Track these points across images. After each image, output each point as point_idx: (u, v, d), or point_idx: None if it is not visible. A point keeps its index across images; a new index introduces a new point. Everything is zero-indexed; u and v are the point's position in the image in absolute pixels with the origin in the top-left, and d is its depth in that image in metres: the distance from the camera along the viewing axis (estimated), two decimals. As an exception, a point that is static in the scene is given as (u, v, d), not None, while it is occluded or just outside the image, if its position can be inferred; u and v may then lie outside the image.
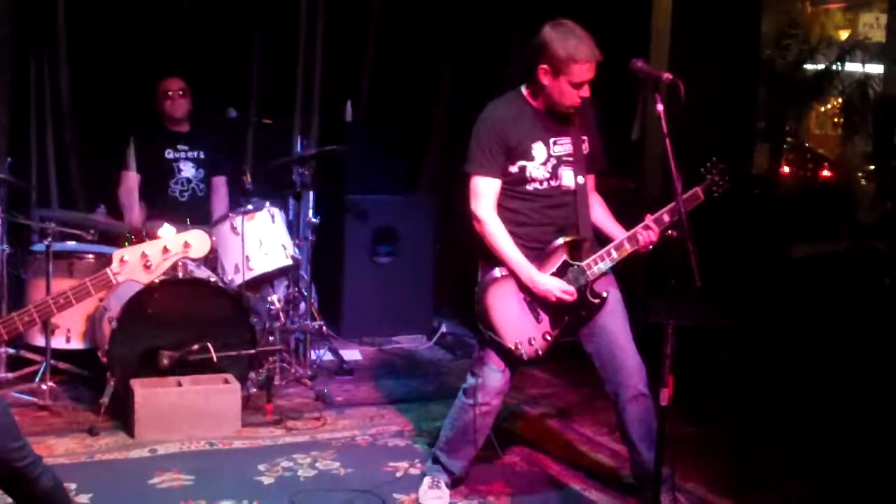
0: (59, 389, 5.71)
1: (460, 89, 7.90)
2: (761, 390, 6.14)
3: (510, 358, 4.27)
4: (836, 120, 10.53)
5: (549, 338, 4.24)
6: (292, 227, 6.40)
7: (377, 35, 7.64)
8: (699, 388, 5.85)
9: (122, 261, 3.12)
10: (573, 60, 4.03)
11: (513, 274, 4.20)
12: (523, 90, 4.31)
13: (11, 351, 5.81)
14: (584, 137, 4.31)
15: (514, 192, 4.26)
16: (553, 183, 4.25)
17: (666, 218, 4.14)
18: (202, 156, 6.54)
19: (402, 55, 7.75)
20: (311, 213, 6.50)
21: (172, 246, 3.18)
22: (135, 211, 6.36)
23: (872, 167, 9.43)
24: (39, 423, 5.31)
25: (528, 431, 5.47)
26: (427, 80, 7.85)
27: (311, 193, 6.58)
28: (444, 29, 7.78)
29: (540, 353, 4.25)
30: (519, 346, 4.21)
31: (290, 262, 6.08)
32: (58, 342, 5.79)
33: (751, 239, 7.36)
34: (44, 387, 5.52)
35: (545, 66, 4.10)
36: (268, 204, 6.08)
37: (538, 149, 4.22)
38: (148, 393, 5.16)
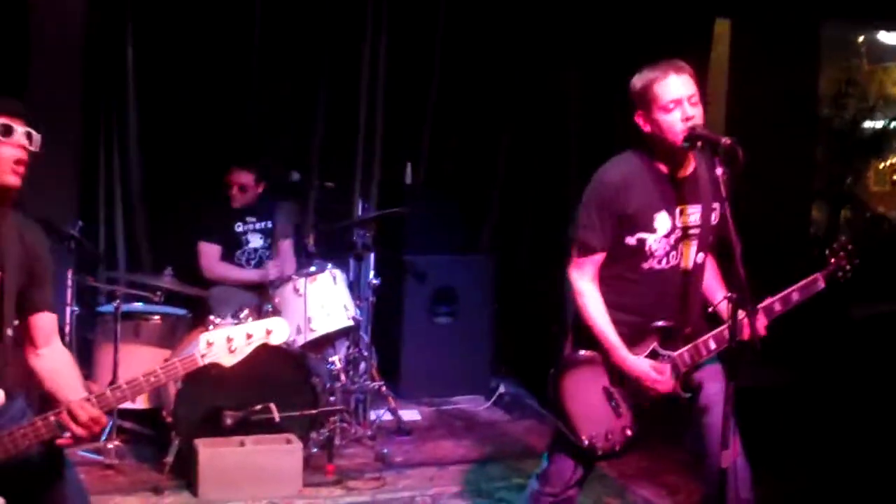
0: (124, 448, 5.77)
1: (518, 152, 7.96)
2: (823, 450, 6.07)
3: (582, 451, 3.83)
4: (894, 178, 10.47)
5: (628, 432, 3.79)
6: (353, 288, 6.48)
7: (437, 98, 7.74)
8: (761, 449, 5.81)
9: (208, 343, 3.22)
10: (653, 82, 3.65)
11: (601, 356, 3.78)
12: (644, 151, 3.80)
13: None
14: (715, 206, 3.77)
15: (623, 272, 3.80)
16: (671, 261, 3.77)
17: (777, 307, 3.81)
18: (269, 226, 6.65)
19: (461, 118, 7.83)
20: (371, 274, 6.58)
21: (255, 332, 3.29)
22: (247, 270, 6.51)
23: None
24: (105, 482, 5.38)
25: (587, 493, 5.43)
26: (486, 143, 7.92)
27: (371, 255, 6.66)
28: (503, 93, 7.86)
29: (616, 448, 3.80)
30: (594, 440, 3.78)
31: (350, 322, 6.15)
32: (130, 401, 5.86)
33: (812, 298, 7.33)
34: (110, 446, 5.60)
35: (639, 111, 3.71)
36: (330, 266, 6.17)
37: (661, 219, 3.73)
38: (212, 452, 5.23)
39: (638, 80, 3.72)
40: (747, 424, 3.85)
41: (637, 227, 3.72)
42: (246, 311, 5.50)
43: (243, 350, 3.26)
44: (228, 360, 3.26)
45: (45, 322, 3.32)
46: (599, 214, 3.74)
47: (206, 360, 3.22)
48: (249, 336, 3.27)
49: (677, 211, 3.75)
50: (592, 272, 3.80)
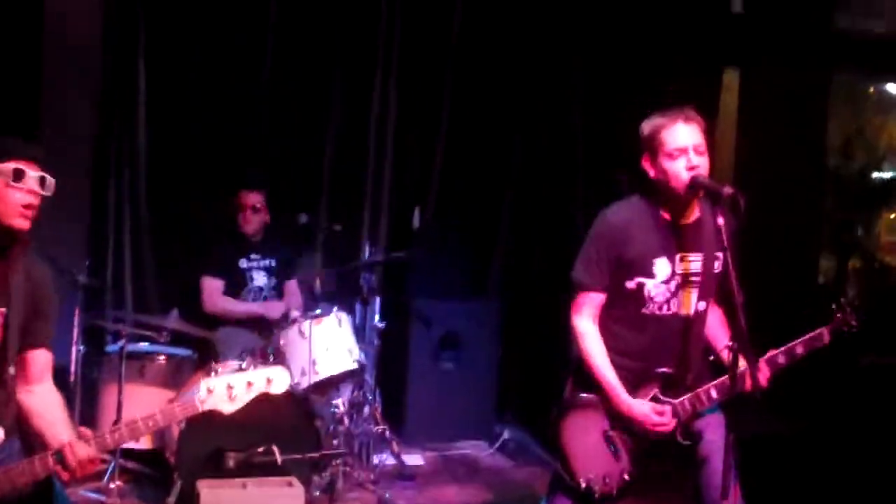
0: (126, 488, 5.76)
1: (525, 196, 7.97)
2: (827, 501, 6.03)
3: (580, 493, 3.83)
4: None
5: (626, 477, 3.79)
6: (358, 332, 6.48)
7: (446, 142, 7.76)
8: (763, 499, 5.77)
9: (209, 390, 3.24)
10: (661, 128, 3.71)
11: (601, 399, 3.80)
12: (648, 197, 3.86)
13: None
14: (719, 255, 3.76)
15: (624, 316, 3.84)
16: (671, 308, 3.80)
17: (781, 360, 3.81)
18: (273, 264, 6.67)
19: (470, 163, 7.84)
20: (377, 318, 6.58)
21: (256, 381, 3.30)
22: (250, 303, 6.53)
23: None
24: (107, 522, 5.38)
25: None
26: (493, 188, 7.94)
27: (377, 298, 6.67)
28: (510, 136, 7.89)
29: (614, 492, 3.79)
30: (592, 483, 3.77)
31: (355, 366, 6.14)
32: (128, 442, 5.86)
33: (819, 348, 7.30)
34: (112, 486, 5.60)
35: (645, 156, 3.78)
36: (335, 308, 6.18)
37: (661, 265, 3.78)
38: (213, 494, 5.22)
39: (647, 125, 3.78)
40: (751, 473, 3.84)
41: (636, 272, 3.77)
42: (248, 359, 5.54)
43: (243, 398, 3.28)
44: (228, 408, 3.28)
45: (41, 359, 3.34)
46: (599, 256, 3.80)
47: (206, 407, 3.24)
48: (250, 384, 3.29)
49: (677, 258, 3.78)
50: (593, 313, 3.84)
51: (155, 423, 3.20)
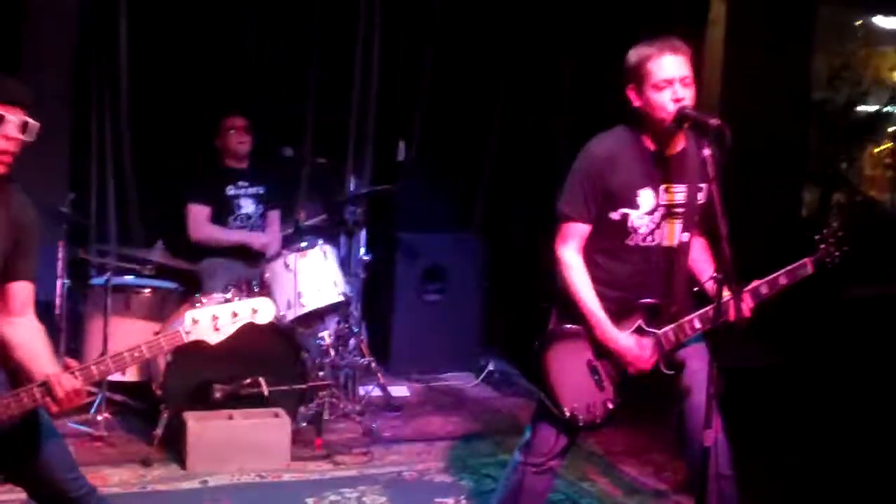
0: (113, 421, 5.79)
1: (511, 129, 7.96)
2: (810, 431, 6.11)
3: (564, 421, 3.84)
4: (887, 161, 10.48)
5: (610, 405, 3.80)
6: (344, 265, 6.49)
7: (431, 76, 7.72)
8: (746, 429, 5.84)
9: (193, 320, 3.24)
10: (648, 59, 3.66)
11: (585, 329, 3.78)
12: (633, 128, 3.81)
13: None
14: (703, 186, 3.78)
15: (608, 247, 3.81)
16: (655, 239, 3.79)
17: (764, 290, 3.79)
18: (262, 191, 6.66)
19: (454, 95, 7.81)
20: (362, 250, 6.59)
21: (241, 311, 3.30)
22: (234, 231, 6.54)
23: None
24: (94, 453, 5.42)
25: (573, 469, 5.44)
26: (479, 121, 7.91)
27: (362, 231, 6.67)
28: (495, 71, 7.85)
29: (598, 420, 3.81)
30: (576, 412, 3.77)
31: (341, 298, 6.15)
32: (114, 375, 5.88)
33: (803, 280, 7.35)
34: (99, 418, 5.63)
35: (630, 85, 3.73)
36: (320, 241, 6.17)
37: (645, 196, 3.74)
38: (200, 426, 5.26)
39: (633, 55, 3.73)
40: (733, 404, 3.88)
41: (620, 203, 3.74)
42: (232, 290, 5.54)
43: (228, 328, 3.28)
44: (213, 338, 3.28)
45: (23, 291, 3.32)
46: (583, 187, 3.76)
47: (191, 338, 3.24)
48: (235, 315, 3.28)
49: (662, 188, 3.76)
50: (577, 245, 3.82)
51: (140, 355, 3.21)
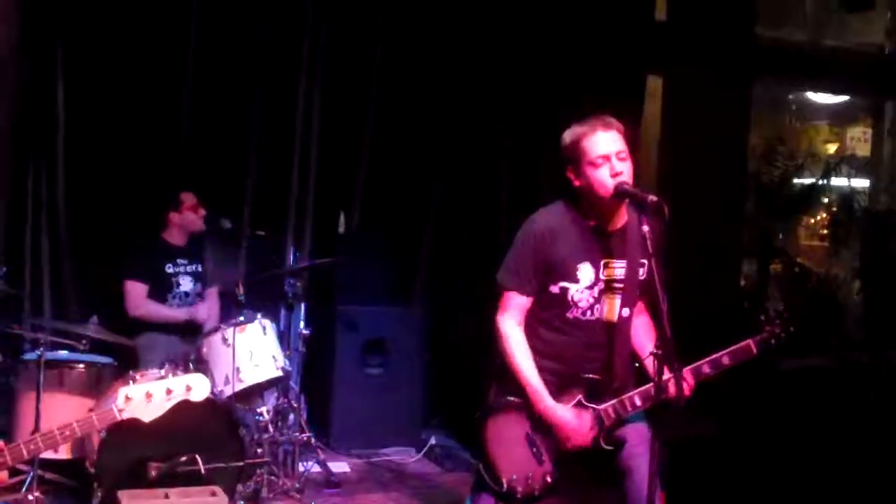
0: (45, 500, 5.61)
1: (451, 203, 7.97)
2: (749, 502, 6.11)
3: (503, 494, 3.85)
4: (823, 232, 10.66)
5: (548, 479, 3.81)
6: (283, 339, 6.43)
7: (371, 148, 7.72)
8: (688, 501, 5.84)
9: (126, 398, 3.20)
10: (581, 137, 3.74)
11: (524, 402, 3.81)
12: (573, 203, 3.89)
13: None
14: (644, 262, 3.84)
15: (549, 320, 3.86)
16: (595, 313, 3.83)
17: (705, 370, 3.80)
18: (199, 269, 6.60)
19: (394, 168, 7.81)
20: (302, 324, 6.53)
21: (175, 388, 3.26)
22: (175, 308, 6.44)
23: (859, 281, 9.53)
24: (25, 534, 5.27)
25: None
26: (419, 194, 7.92)
27: (302, 305, 6.62)
28: (436, 145, 7.88)
29: (536, 492, 3.82)
30: (514, 484, 3.79)
31: (280, 373, 6.10)
32: (46, 452, 5.75)
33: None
34: (30, 497, 5.46)
35: (568, 167, 3.80)
36: (259, 315, 6.12)
37: (585, 270, 3.81)
38: (135, 504, 5.14)
39: (568, 136, 3.81)
40: (674, 476, 3.87)
41: (560, 276, 3.80)
42: (168, 367, 5.46)
43: (163, 405, 3.25)
44: (147, 416, 3.24)
45: None
46: (524, 260, 3.83)
47: (124, 416, 3.20)
48: (169, 392, 3.25)
49: (602, 264, 3.80)
50: (518, 317, 3.87)
51: (72, 433, 3.15)
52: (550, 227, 3.83)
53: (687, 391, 3.66)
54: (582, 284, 3.80)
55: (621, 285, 3.84)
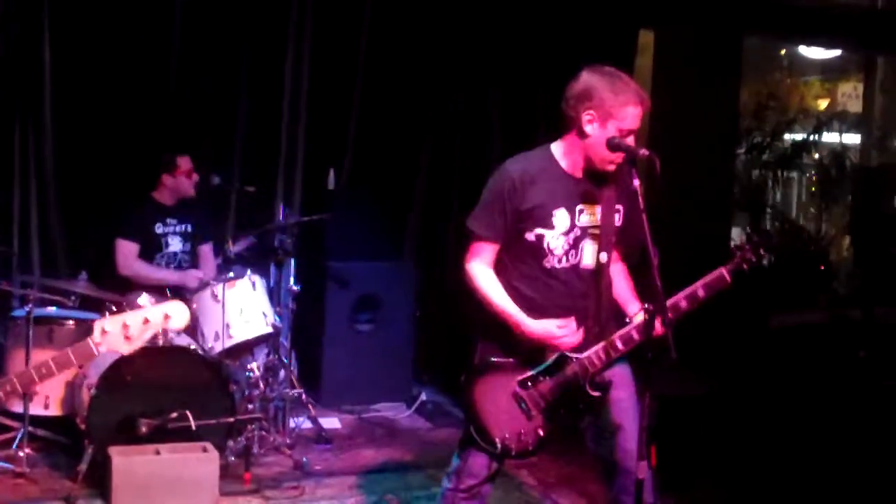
0: (36, 456, 5.66)
1: (441, 157, 7.94)
2: (739, 459, 6.14)
3: (497, 454, 3.84)
4: (813, 189, 10.67)
5: (541, 432, 3.78)
6: (273, 295, 6.41)
7: (361, 104, 7.68)
8: (677, 458, 5.85)
9: (103, 331, 3.12)
10: (624, 103, 3.64)
11: (510, 362, 3.78)
12: (554, 148, 3.82)
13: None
14: (619, 207, 3.82)
15: (527, 273, 3.80)
16: (572, 260, 3.78)
17: (683, 305, 3.69)
18: (189, 229, 6.56)
19: (385, 123, 7.78)
20: (292, 280, 6.51)
21: (153, 317, 3.18)
22: (166, 270, 6.42)
23: (850, 238, 9.55)
24: (16, 490, 5.28)
25: (507, 501, 5.42)
26: (409, 149, 7.89)
27: (292, 261, 6.59)
28: (425, 99, 7.84)
29: (531, 448, 3.80)
30: (507, 441, 3.77)
31: (270, 329, 6.09)
32: (36, 409, 5.76)
33: (731, 308, 7.42)
34: (21, 454, 5.49)
35: (591, 113, 3.66)
36: (249, 271, 6.11)
37: (560, 216, 3.74)
38: (126, 461, 5.13)
39: (610, 89, 3.68)
40: (666, 433, 3.88)
41: (535, 223, 3.75)
42: (145, 295, 5.39)
43: (141, 336, 3.15)
44: (125, 347, 3.16)
45: None
46: (493, 206, 3.80)
47: (102, 349, 3.12)
48: (147, 321, 3.16)
49: (577, 209, 3.76)
50: (487, 259, 3.83)
51: (48, 371, 3.09)
52: (523, 173, 3.77)
53: (659, 328, 3.51)
54: (558, 231, 3.75)
55: (597, 231, 3.78)
